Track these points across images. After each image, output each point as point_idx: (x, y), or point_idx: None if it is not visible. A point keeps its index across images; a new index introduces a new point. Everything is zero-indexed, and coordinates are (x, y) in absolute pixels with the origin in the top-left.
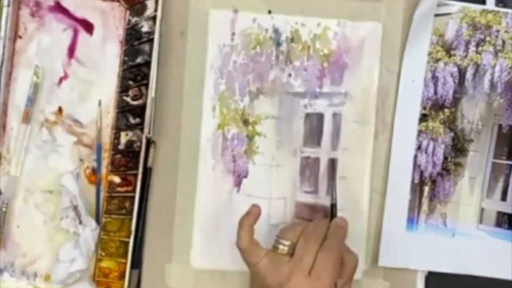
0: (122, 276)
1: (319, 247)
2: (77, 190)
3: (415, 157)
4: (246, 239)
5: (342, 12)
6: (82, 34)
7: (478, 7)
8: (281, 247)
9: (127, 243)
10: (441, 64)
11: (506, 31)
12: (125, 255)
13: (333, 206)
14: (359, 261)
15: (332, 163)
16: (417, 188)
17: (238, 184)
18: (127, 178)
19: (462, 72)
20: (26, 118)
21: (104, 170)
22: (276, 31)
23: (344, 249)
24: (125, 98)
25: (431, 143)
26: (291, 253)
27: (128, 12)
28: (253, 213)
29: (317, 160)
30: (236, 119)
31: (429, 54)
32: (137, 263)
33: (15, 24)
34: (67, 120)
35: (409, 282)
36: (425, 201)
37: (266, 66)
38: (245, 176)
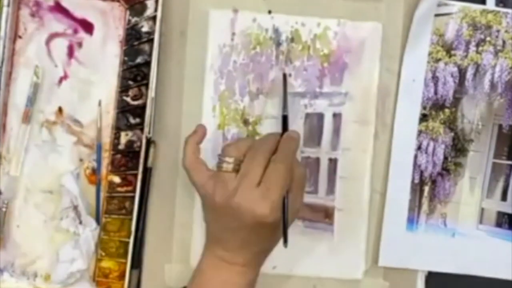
0: (122, 276)
1: (267, 160)
2: (77, 190)
3: (415, 157)
4: (191, 157)
5: (342, 12)
6: (82, 34)
7: (478, 7)
8: (224, 165)
9: (127, 243)
10: (441, 64)
11: (506, 31)
12: (125, 255)
13: (285, 118)
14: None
15: (284, 77)
16: (417, 188)
17: None
18: (127, 178)
19: (462, 72)
20: (26, 118)
21: (104, 170)
22: (276, 31)
23: (294, 162)
24: (125, 98)
25: (431, 143)
26: (237, 170)
27: (128, 12)
28: (199, 132)
29: (317, 160)
30: (236, 119)
31: (429, 54)
32: (137, 263)
33: (15, 24)
34: (67, 120)
35: (409, 282)
36: (425, 201)
37: (266, 66)
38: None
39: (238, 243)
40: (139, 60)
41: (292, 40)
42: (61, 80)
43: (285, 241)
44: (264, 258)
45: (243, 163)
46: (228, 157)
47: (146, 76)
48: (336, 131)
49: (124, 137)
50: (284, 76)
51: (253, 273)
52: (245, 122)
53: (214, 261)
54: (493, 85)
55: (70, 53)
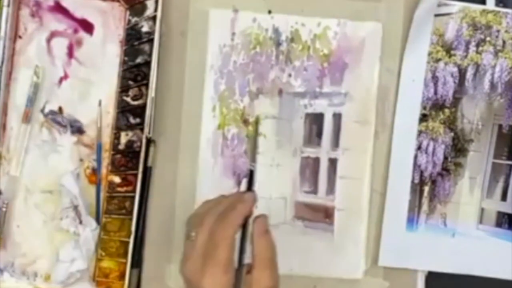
0: (122, 276)
1: (213, 223)
2: (77, 190)
3: (415, 157)
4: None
5: (342, 12)
6: (82, 34)
7: (478, 7)
8: (192, 234)
9: (127, 243)
10: (441, 64)
11: (506, 31)
12: (125, 255)
13: (252, 173)
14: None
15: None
16: (417, 188)
17: (238, 184)
18: (127, 178)
19: (462, 72)
20: (26, 118)
21: (104, 170)
22: (276, 31)
23: (256, 233)
24: (125, 98)
25: (431, 143)
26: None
27: (128, 12)
28: (215, 200)
29: (317, 160)
30: (236, 119)
31: (429, 54)
32: (137, 263)
33: (15, 24)
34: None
35: (409, 282)
36: (425, 201)
37: (266, 66)
38: (245, 176)
39: None
40: (139, 60)
41: (292, 40)
42: (61, 80)
43: None
44: None
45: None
46: (191, 227)
47: (146, 76)
48: (336, 131)
49: (124, 137)
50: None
51: None
52: (245, 122)
53: None
54: (493, 85)
55: (70, 53)
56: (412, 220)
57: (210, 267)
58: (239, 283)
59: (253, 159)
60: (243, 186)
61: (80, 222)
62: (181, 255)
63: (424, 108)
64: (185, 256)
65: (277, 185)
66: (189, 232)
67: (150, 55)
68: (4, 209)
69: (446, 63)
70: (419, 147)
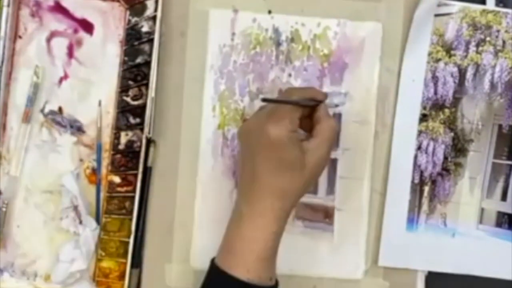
0: (122, 276)
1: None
2: (77, 190)
3: (415, 157)
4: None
5: (342, 12)
6: (82, 34)
7: (478, 7)
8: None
9: (127, 243)
10: (441, 64)
11: (506, 31)
12: (125, 255)
13: None
14: (360, 259)
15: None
16: (417, 188)
17: (238, 184)
18: (127, 178)
19: (462, 72)
20: (26, 118)
21: (104, 170)
22: (276, 31)
23: (324, 112)
24: (125, 98)
25: (431, 143)
26: None
27: (128, 12)
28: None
29: None
30: (236, 119)
31: (429, 54)
32: (137, 263)
33: (15, 24)
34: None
35: (409, 282)
36: (425, 201)
37: (266, 66)
38: None
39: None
40: (139, 60)
41: (292, 40)
42: (61, 80)
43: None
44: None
45: None
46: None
47: (146, 76)
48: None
49: (124, 137)
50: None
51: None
52: None
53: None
54: (493, 85)
55: (70, 53)
56: (412, 220)
57: (278, 117)
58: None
59: None
60: None
61: (80, 222)
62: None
63: (424, 108)
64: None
65: None
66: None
67: (150, 55)
68: (4, 209)
69: (446, 63)
70: (419, 147)
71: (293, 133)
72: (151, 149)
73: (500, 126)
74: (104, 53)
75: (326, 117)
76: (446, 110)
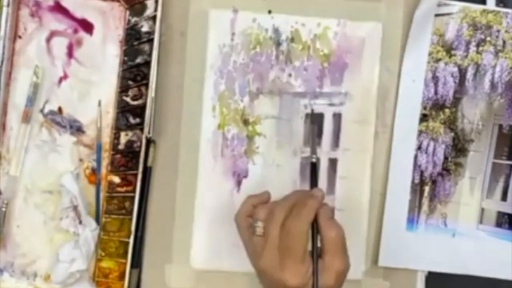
0: (122, 276)
1: (284, 218)
2: (77, 190)
3: (415, 157)
4: (241, 215)
5: (342, 12)
6: (82, 34)
7: (479, 7)
8: (257, 229)
9: (127, 243)
10: (441, 64)
11: (506, 31)
12: (125, 255)
13: (313, 165)
14: (360, 259)
15: (312, 115)
16: (417, 188)
17: (238, 184)
18: (127, 178)
19: (462, 72)
20: (26, 118)
21: (104, 170)
22: (276, 31)
23: (323, 220)
24: (125, 98)
25: (432, 143)
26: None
27: (128, 12)
28: (261, 196)
29: (317, 160)
30: (236, 119)
31: (430, 54)
32: (137, 263)
33: (15, 24)
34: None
35: (409, 282)
36: (425, 201)
37: (266, 66)
38: (245, 176)
39: None
40: (139, 60)
41: (292, 40)
42: (61, 80)
43: None
44: None
45: (265, 225)
46: (259, 221)
47: (146, 76)
48: (336, 131)
49: (124, 137)
50: (312, 114)
51: None
52: (245, 122)
53: None
54: (493, 85)
55: (70, 53)
56: (412, 220)
57: (289, 260)
58: (317, 269)
59: (313, 151)
60: (244, 186)
61: (80, 222)
62: (244, 249)
63: (424, 108)
64: (256, 251)
65: (277, 185)
66: (253, 224)
67: (150, 55)
68: (4, 209)
69: (446, 63)
70: (419, 147)
71: (303, 274)
72: (151, 149)
73: (500, 126)
74: (104, 53)
75: (329, 222)
76: (446, 110)
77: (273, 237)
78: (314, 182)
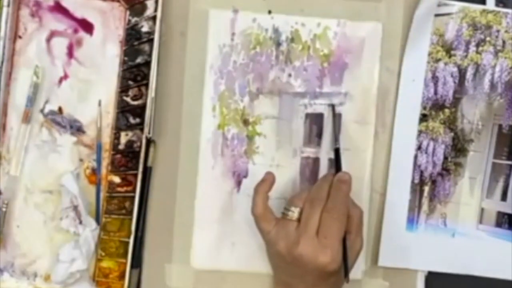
0: (122, 276)
1: (323, 207)
2: (77, 190)
3: (415, 157)
4: (261, 206)
5: (342, 12)
6: (82, 34)
7: (478, 7)
8: (290, 213)
9: (127, 243)
10: (441, 64)
11: (506, 31)
12: (125, 255)
13: (337, 151)
14: (360, 259)
15: (333, 109)
16: (417, 188)
17: (238, 184)
18: (127, 178)
19: (462, 72)
20: (26, 118)
21: (104, 170)
22: (276, 31)
23: (349, 203)
24: (125, 98)
25: (431, 143)
26: (299, 219)
27: (128, 12)
28: (268, 180)
29: (317, 160)
30: (236, 119)
31: (429, 54)
32: (137, 263)
33: (15, 24)
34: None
35: (409, 282)
36: (425, 201)
37: (266, 66)
38: (245, 176)
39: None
40: (139, 60)
41: (292, 40)
42: (61, 80)
43: (346, 275)
44: None
45: (302, 213)
46: (293, 207)
47: (146, 76)
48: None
49: (124, 137)
50: (333, 107)
51: None
52: (245, 122)
53: None
54: (493, 85)
55: (70, 53)
56: (412, 220)
57: (329, 244)
58: (347, 251)
59: (336, 138)
60: (243, 186)
61: (80, 222)
62: (274, 237)
63: (424, 108)
64: (291, 239)
65: (277, 185)
66: (286, 211)
67: (150, 55)
68: (4, 209)
69: (446, 63)
70: (419, 147)
71: (339, 258)
72: (151, 149)
73: (500, 126)
74: (104, 53)
75: (355, 205)
76: (446, 110)
77: (313, 224)
78: (339, 166)
